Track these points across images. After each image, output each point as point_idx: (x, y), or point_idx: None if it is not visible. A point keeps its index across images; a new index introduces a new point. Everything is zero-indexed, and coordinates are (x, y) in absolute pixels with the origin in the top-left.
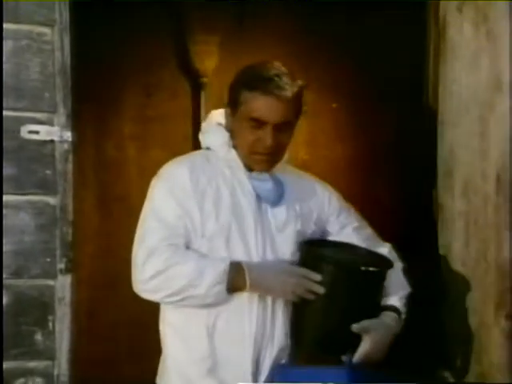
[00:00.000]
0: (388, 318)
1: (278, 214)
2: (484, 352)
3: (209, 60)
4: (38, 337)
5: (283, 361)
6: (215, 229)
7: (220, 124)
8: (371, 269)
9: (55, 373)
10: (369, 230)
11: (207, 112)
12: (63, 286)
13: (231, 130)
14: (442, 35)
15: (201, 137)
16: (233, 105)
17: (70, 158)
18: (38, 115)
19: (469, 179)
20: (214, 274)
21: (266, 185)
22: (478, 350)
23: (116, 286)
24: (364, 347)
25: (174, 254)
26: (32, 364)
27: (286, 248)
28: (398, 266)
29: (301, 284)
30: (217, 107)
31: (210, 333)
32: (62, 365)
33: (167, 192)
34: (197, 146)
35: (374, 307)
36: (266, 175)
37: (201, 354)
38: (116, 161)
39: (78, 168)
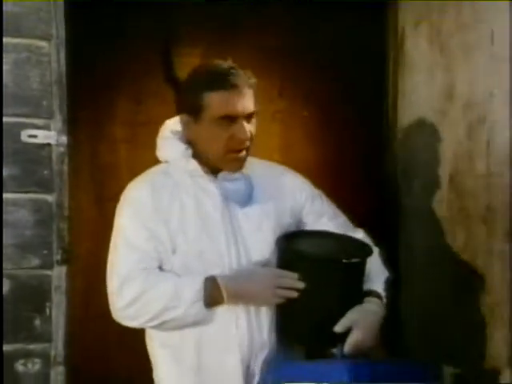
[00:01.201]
0: (373, 304)
1: (250, 214)
2: (442, 339)
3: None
4: (37, 322)
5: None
6: (185, 244)
7: (174, 134)
8: (354, 260)
9: (52, 354)
10: (342, 217)
11: None
12: (59, 275)
13: (193, 138)
14: (401, 49)
15: (158, 152)
16: (194, 111)
17: (66, 159)
18: (37, 121)
19: (425, 179)
20: (189, 294)
21: (236, 185)
22: (436, 337)
23: None
24: (353, 337)
25: (147, 279)
26: (31, 346)
27: (263, 247)
28: (375, 250)
29: (280, 285)
30: None
31: (198, 346)
32: (58, 347)
33: (132, 216)
34: None
35: (357, 295)
36: (236, 174)
37: (189, 367)
38: (109, 162)
39: (75, 169)
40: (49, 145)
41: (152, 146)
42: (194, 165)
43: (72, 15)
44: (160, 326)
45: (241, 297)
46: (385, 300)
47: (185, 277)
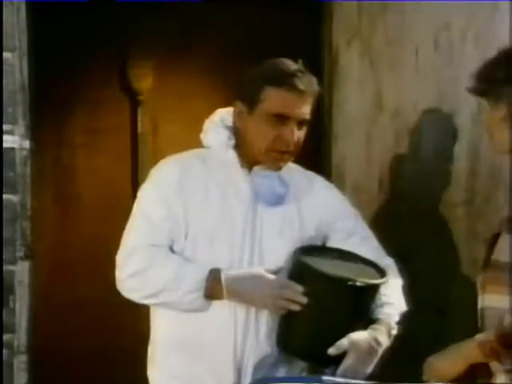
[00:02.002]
0: (378, 331)
1: (274, 217)
2: None
3: (144, 81)
4: (2, 314)
5: (265, 368)
6: (199, 231)
7: (223, 122)
8: (359, 284)
9: (15, 344)
10: (375, 242)
11: (143, 124)
12: (22, 270)
13: (242, 128)
14: (335, 63)
15: (202, 136)
16: (250, 102)
17: (29, 162)
18: (3, 127)
19: (357, 181)
20: (190, 281)
21: (270, 182)
22: None
23: (70, 271)
24: (348, 361)
25: (155, 256)
26: None
27: (279, 253)
28: (398, 282)
29: (282, 296)
30: (152, 120)
31: (196, 339)
32: (21, 337)
33: (154, 193)
34: (134, 152)
35: (361, 320)
36: (271, 172)
37: (185, 361)
38: (69, 165)
39: (37, 171)
40: (13, 149)
41: (107, 150)
42: (232, 155)
43: (35, 27)
44: (159, 305)
45: (240, 297)
46: (394, 331)
47: (191, 263)
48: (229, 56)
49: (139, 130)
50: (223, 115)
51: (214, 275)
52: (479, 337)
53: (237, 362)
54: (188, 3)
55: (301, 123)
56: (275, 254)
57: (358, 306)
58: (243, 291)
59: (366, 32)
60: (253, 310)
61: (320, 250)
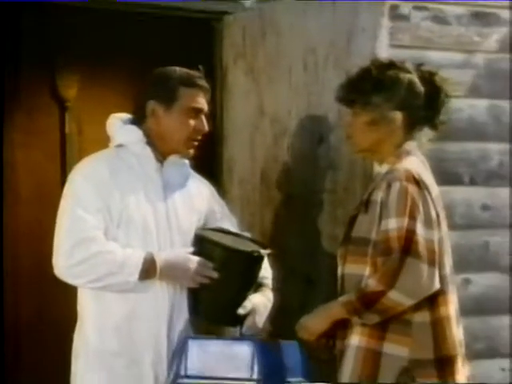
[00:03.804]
0: (267, 293)
1: (182, 196)
2: None
3: (70, 90)
4: None
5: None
6: (130, 219)
7: (125, 122)
8: (262, 252)
9: None
10: (234, 218)
11: (70, 126)
12: None
13: (155, 125)
14: (225, 79)
15: (113, 135)
16: (167, 101)
17: None
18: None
19: (243, 174)
20: (131, 266)
21: (180, 168)
22: None
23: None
24: (251, 319)
25: (99, 244)
26: None
27: (188, 225)
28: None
29: (199, 272)
30: (77, 123)
31: (128, 313)
32: None
33: (90, 186)
34: (63, 149)
35: (255, 285)
36: (183, 160)
37: (119, 336)
38: (9, 161)
39: None
40: None
41: (41, 148)
42: (147, 151)
43: None
44: (100, 289)
45: (167, 274)
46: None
47: (129, 249)
48: (144, 67)
49: (67, 131)
50: (122, 117)
51: (150, 258)
52: (343, 298)
53: (169, 328)
54: (110, 22)
55: (205, 115)
56: (187, 229)
57: (255, 272)
58: (171, 270)
59: (249, 53)
60: (179, 287)
61: (213, 231)
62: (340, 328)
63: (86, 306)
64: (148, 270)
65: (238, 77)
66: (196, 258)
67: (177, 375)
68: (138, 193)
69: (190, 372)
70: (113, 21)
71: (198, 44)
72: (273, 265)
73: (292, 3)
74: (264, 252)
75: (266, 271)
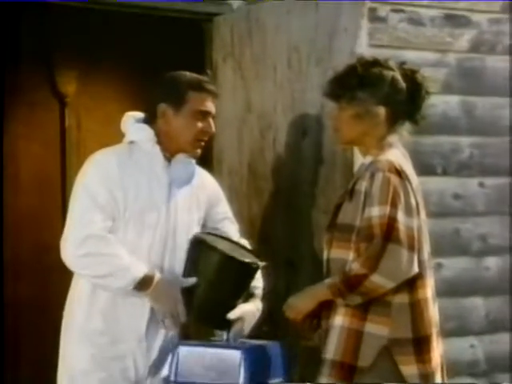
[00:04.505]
0: (255, 304)
1: (184, 194)
2: None
3: (69, 87)
4: None
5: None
6: (131, 214)
7: (138, 120)
8: (259, 264)
9: None
10: (237, 226)
11: (69, 121)
12: None
13: (165, 125)
14: (215, 76)
15: (126, 132)
16: (176, 103)
17: None
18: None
19: (232, 166)
20: (132, 275)
21: (187, 166)
22: None
23: (13, 234)
24: (239, 325)
25: (109, 243)
26: None
27: (187, 227)
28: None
29: (173, 314)
30: (75, 118)
31: (113, 305)
32: None
33: (100, 178)
34: (62, 142)
35: (246, 293)
36: (190, 159)
37: (104, 318)
38: (11, 152)
39: None
40: None
41: (42, 140)
42: (157, 150)
43: None
44: (101, 286)
45: (152, 297)
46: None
47: (135, 259)
48: (140, 66)
49: (66, 124)
50: (136, 116)
51: (150, 275)
52: (328, 281)
53: (149, 322)
54: (106, 21)
55: (212, 118)
56: (186, 226)
57: (248, 281)
58: (159, 297)
59: (237, 52)
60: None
61: (215, 235)
62: (325, 309)
63: (79, 287)
64: (143, 285)
65: (227, 74)
66: (181, 301)
67: (167, 381)
68: (142, 188)
69: (180, 379)
70: (109, 20)
71: (190, 43)
72: (260, 250)
73: (277, 4)
74: (261, 264)
75: (258, 281)
